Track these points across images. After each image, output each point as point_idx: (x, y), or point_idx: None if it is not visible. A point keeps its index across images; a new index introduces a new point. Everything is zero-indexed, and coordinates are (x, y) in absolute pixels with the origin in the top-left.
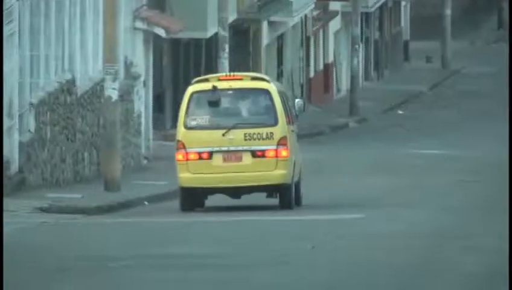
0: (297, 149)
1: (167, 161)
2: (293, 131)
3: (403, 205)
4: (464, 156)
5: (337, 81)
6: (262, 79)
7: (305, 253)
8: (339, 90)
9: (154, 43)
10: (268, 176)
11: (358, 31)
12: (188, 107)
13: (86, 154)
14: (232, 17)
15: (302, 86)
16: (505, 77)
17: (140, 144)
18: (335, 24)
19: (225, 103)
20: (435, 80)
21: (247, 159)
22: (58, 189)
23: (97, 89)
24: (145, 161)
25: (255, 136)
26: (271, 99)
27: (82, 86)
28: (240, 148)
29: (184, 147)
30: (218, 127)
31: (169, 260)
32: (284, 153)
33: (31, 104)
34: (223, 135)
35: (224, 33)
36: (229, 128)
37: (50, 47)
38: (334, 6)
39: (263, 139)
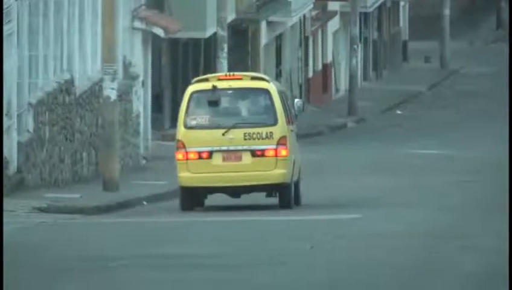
0: (296, 149)
1: (166, 161)
2: (292, 131)
3: (402, 205)
4: (462, 156)
5: (335, 81)
6: (262, 79)
7: (304, 253)
8: (337, 90)
9: (153, 43)
10: (268, 176)
11: (356, 31)
12: (188, 107)
13: (84, 155)
14: (230, 17)
15: (300, 86)
16: (503, 77)
17: (139, 144)
18: (334, 24)
19: (225, 102)
20: (434, 80)
21: (246, 158)
22: (57, 189)
23: (96, 89)
24: (143, 161)
25: (254, 136)
26: (271, 99)
27: (81, 86)
28: (240, 147)
29: (184, 147)
30: (218, 127)
31: (168, 260)
32: (283, 152)
33: (30, 104)
34: (223, 134)
35: (223, 33)
36: (229, 128)
37: (49, 47)
38: (332, 6)
39: (263, 138)
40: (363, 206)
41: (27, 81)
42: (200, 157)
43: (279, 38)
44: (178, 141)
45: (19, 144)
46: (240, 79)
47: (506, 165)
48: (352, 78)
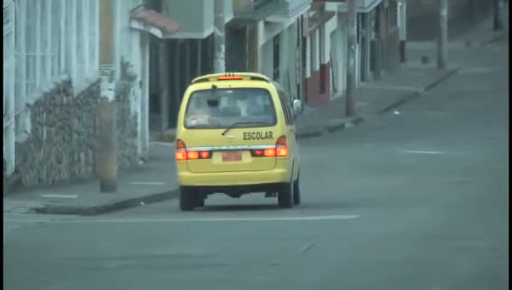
0: (296, 149)
1: (163, 162)
2: (291, 131)
3: (400, 205)
4: (460, 156)
5: (333, 81)
6: (262, 79)
7: (300, 253)
8: (335, 90)
9: (151, 44)
10: (268, 175)
11: (354, 31)
12: (187, 107)
13: (82, 155)
14: (228, 17)
15: (298, 87)
16: (501, 78)
17: (136, 145)
18: (331, 24)
19: (225, 102)
20: (431, 80)
21: (246, 158)
22: (54, 189)
23: (93, 90)
24: (141, 162)
25: (254, 135)
26: (270, 99)
27: (78, 86)
28: (240, 147)
29: (184, 146)
30: (217, 127)
31: (164, 260)
32: (283, 152)
33: (27, 104)
34: (223, 134)
35: (221, 33)
36: (229, 128)
37: (46, 48)
38: (330, 6)
39: (262, 138)
40: (361, 206)
41: (24, 81)
42: (200, 157)
43: (277, 38)
44: (178, 140)
45: (17, 144)
46: (240, 79)
47: (503, 165)
48: (349, 78)
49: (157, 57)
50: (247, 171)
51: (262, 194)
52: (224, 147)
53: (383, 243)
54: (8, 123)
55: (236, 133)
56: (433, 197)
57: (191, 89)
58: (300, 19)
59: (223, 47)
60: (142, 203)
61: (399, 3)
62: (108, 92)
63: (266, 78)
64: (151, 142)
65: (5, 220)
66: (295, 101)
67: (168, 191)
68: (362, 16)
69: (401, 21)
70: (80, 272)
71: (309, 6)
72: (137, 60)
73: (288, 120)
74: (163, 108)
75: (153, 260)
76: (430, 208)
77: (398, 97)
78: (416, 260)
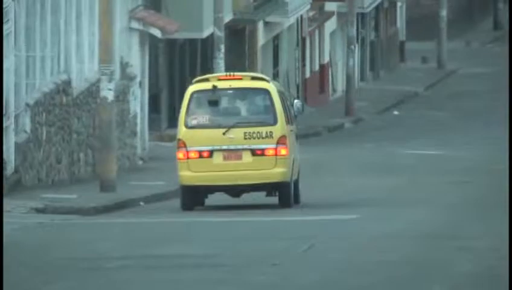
0: (296, 148)
1: (163, 162)
2: (292, 131)
3: (399, 205)
4: (459, 156)
5: (332, 81)
6: (262, 79)
7: (300, 253)
8: (334, 90)
9: (150, 44)
10: (268, 174)
11: (354, 31)
12: (188, 107)
13: (81, 155)
14: (227, 17)
15: (297, 87)
16: (501, 78)
17: (136, 145)
18: (331, 25)
19: (225, 102)
20: (431, 80)
21: (247, 157)
22: (54, 189)
23: (93, 90)
24: (140, 162)
25: (254, 135)
26: (270, 98)
27: (78, 86)
28: (240, 146)
29: (185, 146)
30: (218, 126)
31: (163, 260)
32: (283, 151)
33: (27, 104)
34: (223, 133)
35: (220, 33)
36: (229, 127)
37: (46, 48)
38: (329, 6)
39: (263, 138)
40: (360, 206)
41: (24, 81)
42: (200, 157)
43: (276, 38)
44: (179, 140)
45: (16, 144)
46: (240, 79)
47: (505, 165)
48: (349, 78)
49: (156, 57)
50: (247, 170)
51: (263, 193)
52: (224, 147)
53: (383, 243)
54: (8, 123)
55: (237, 133)
56: (432, 197)
57: (191, 89)
58: (299, 19)
59: (222, 47)
60: (141, 203)
61: (398, 4)
62: (107, 92)
63: (266, 78)
64: (150, 142)
65: (5, 220)
66: (295, 101)
67: (167, 191)
68: (362, 16)
69: (400, 21)
70: (80, 272)
71: (308, 6)
72: (137, 60)
73: (289, 120)
74: (163, 108)
75: (152, 260)
76: (430, 208)
77: (397, 97)
78: (416, 260)
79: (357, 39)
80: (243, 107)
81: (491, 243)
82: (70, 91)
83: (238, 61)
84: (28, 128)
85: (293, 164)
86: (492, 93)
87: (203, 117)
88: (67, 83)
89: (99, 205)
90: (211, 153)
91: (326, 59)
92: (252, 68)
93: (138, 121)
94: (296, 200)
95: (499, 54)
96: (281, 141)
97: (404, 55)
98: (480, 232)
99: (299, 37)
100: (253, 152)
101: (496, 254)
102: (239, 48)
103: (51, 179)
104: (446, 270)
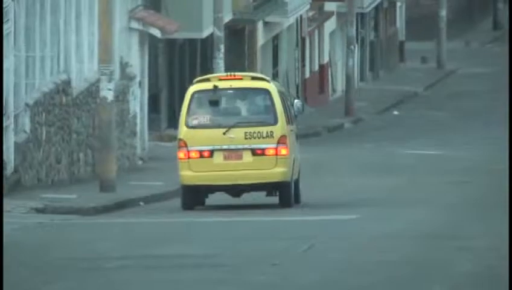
0: (296, 148)
1: (163, 162)
2: (292, 130)
3: (399, 205)
4: (459, 156)
5: (332, 81)
6: (262, 79)
7: (300, 253)
8: (334, 90)
9: (150, 44)
10: (269, 174)
11: (353, 31)
12: (189, 107)
13: (81, 155)
14: (227, 17)
15: (297, 87)
16: (500, 78)
17: (135, 145)
18: (330, 25)
19: (226, 102)
20: (430, 80)
21: (247, 157)
22: (54, 189)
23: (92, 90)
24: (140, 162)
25: (255, 135)
26: (271, 98)
27: (77, 86)
28: (241, 146)
29: (186, 146)
30: (219, 126)
31: (163, 260)
32: (283, 151)
33: (27, 104)
34: (224, 133)
35: (220, 33)
36: (230, 127)
37: (45, 48)
38: (329, 6)
39: (263, 137)
40: (360, 206)
41: (24, 81)
42: (201, 156)
43: (276, 38)
44: (180, 140)
45: (16, 144)
46: (241, 79)
47: (505, 165)
48: (348, 78)
49: (156, 57)
50: (248, 170)
51: (263, 193)
52: (225, 147)
53: (383, 243)
54: (8, 123)
55: (238, 133)
56: (432, 197)
57: (192, 89)
58: (299, 19)
59: (222, 47)
60: (141, 203)
61: (398, 4)
62: (107, 92)
63: (267, 78)
64: (150, 142)
65: (4, 220)
66: (296, 101)
67: (167, 191)
68: (361, 16)
69: (400, 21)
70: (79, 272)
71: (308, 6)
72: (137, 60)
73: (289, 120)
74: (163, 108)
75: (152, 260)
76: (430, 208)
77: (397, 97)
78: (416, 260)
79: (357, 39)
80: (243, 107)
81: (491, 243)
82: (69, 91)
83: (238, 61)
84: (27, 128)
85: (293, 163)
86: (491, 93)
87: (203, 117)
88: (67, 83)
89: (98, 205)
90: (211, 152)
91: (326, 59)
92: (252, 68)
93: (138, 121)
94: (297, 200)
95: (499, 54)
96: (281, 140)
97: (404, 55)
98: (480, 232)
99: (299, 37)
100: (254, 152)
101: (495, 253)
102: (238, 48)
103: (50, 179)
104: (446, 270)
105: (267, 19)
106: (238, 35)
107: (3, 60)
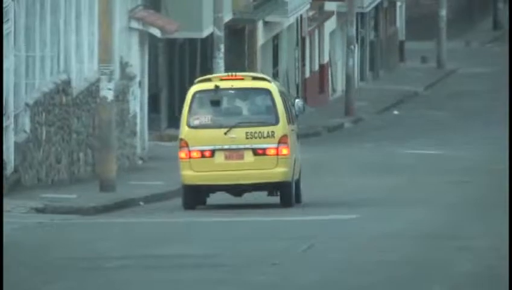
0: (297, 148)
1: (163, 161)
2: (293, 130)
3: (399, 205)
4: (459, 156)
5: (332, 81)
6: (264, 79)
7: (300, 253)
8: (334, 90)
9: (150, 43)
10: (270, 174)
11: (353, 31)
12: (190, 107)
13: (81, 155)
14: (227, 17)
15: (297, 87)
16: (500, 78)
17: (135, 144)
18: (330, 24)
19: (227, 102)
20: (431, 80)
21: (248, 157)
22: (54, 189)
23: (92, 90)
24: (140, 161)
25: (256, 135)
26: (272, 98)
27: (77, 86)
28: (242, 146)
29: (187, 146)
30: (220, 126)
31: (164, 260)
32: (284, 151)
33: (27, 104)
34: (225, 133)
35: (220, 33)
36: (231, 127)
37: (45, 47)
38: (329, 6)
39: (264, 137)
40: (360, 206)
41: (24, 81)
42: (202, 156)
43: (276, 38)
44: (181, 140)
45: (16, 144)
46: (242, 79)
47: (505, 165)
48: (349, 78)
49: (156, 57)
50: (249, 170)
51: (264, 193)
52: (226, 147)
53: (383, 243)
54: (8, 123)
55: (239, 133)
56: (432, 197)
57: (193, 89)
58: (299, 18)
59: (222, 47)
60: (141, 202)
61: (398, 3)
62: (107, 92)
63: (268, 78)
64: (150, 142)
65: (4, 219)
66: (297, 100)
67: (167, 191)
68: (361, 16)
69: (400, 21)
70: (79, 271)
71: (308, 6)
72: (137, 60)
73: (290, 120)
74: (163, 108)
75: (152, 259)
76: (430, 208)
77: (397, 97)
78: (416, 260)
79: (357, 39)
80: (244, 107)
81: (491, 243)
82: (69, 91)
83: (238, 61)
84: (27, 128)
85: (294, 163)
86: (491, 93)
87: (205, 117)
88: (67, 82)
89: (98, 204)
90: (212, 152)
91: (326, 59)
92: (252, 68)
93: (138, 120)
94: (297, 199)
95: (499, 54)
96: (282, 140)
97: (404, 55)
98: (480, 232)
99: (299, 36)
100: (255, 152)
101: (495, 253)
102: (238, 47)
103: (50, 179)
104: (446, 270)
105: (267, 19)
106: (238, 35)
107: (3, 60)
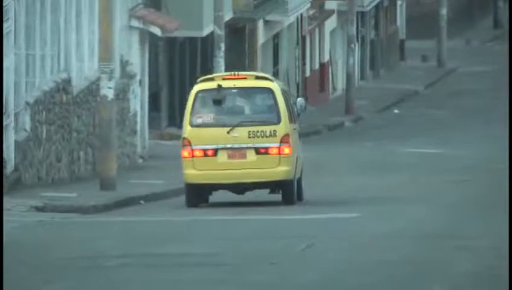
0: (299, 147)
1: (163, 160)
2: (295, 129)
3: (399, 203)
4: (459, 155)
5: (332, 80)
6: (266, 78)
7: (300, 252)
8: (334, 89)
9: (150, 42)
10: (272, 173)
11: (354, 30)
12: (193, 106)
13: (81, 154)
14: (227, 16)
15: (298, 85)
16: (500, 76)
17: (136, 143)
18: (331, 23)
19: (230, 101)
20: (431, 79)
21: (251, 156)
22: (54, 188)
23: (93, 88)
24: (140, 160)
25: (258, 134)
26: (274, 98)
27: (78, 85)
28: (244, 145)
29: (190, 144)
30: (223, 125)
31: (164, 259)
32: (286, 150)
33: (27, 103)
34: (228, 132)
35: (220, 32)
36: (234, 126)
37: (46, 46)
38: (329, 5)
39: (266, 136)
40: (361, 205)
41: (24, 80)
42: (205, 155)
43: (276, 37)
44: (184, 138)
45: (16, 142)
46: (245, 78)
47: (505, 164)
48: (349, 77)
49: (156, 56)
50: (251, 169)
51: (266, 190)
52: (229, 145)
53: (383, 242)
54: (8, 121)
55: (241, 132)
56: (432, 195)
57: (196, 88)
58: (299, 17)
59: (222, 46)
60: (141, 201)
61: (398, 2)
62: (107, 91)
63: (270, 77)
64: (150, 141)
65: (5, 218)
66: (298, 99)
67: (167, 190)
68: (362, 15)
69: (400, 20)
70: (80, 270)
71: (308, 5)
72: (137, 59)
73: (292, 119)
74: (163, 106)
75: (152, 258)
76: (430, 207)
77: (397, 96)
78: (416, 260)
79: (357, 38)
80: (247, 106)
81: (491, 243)
82: (70, 89)
83: (238, 59)
84: (27, 126)
85: (296, 162)
86: (492, 92)
87: (207, 116)
88: (67, 81)
89: (99, 203)
90: (215, 151)
91: (327, 58)
92: (252, 67)
93: (138, 119)
94: (299, 197)
95: (499, 53)
96: (284, 139)
97: (404, 53)
98: (480, 231)
99: (299, 35)
100: (257, 151)
101: (495, 253)
102: (239, 46)
103: (50, 178)
104: (446, 270)
105: (268, 18)
106: (238, 34)
107: (3, 59)
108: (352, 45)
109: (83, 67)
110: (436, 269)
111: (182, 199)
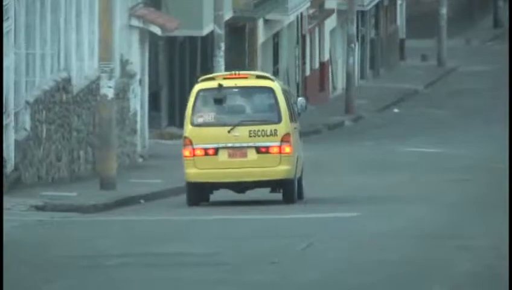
0: (299, 146)
1: (163, 159)
2: (295, 128)
3: (399, 203)
4: (459, 154)
5: (332, 79)
6: (267, 78)
7: (300, 252)
8: (334, 88)
9: (150, 41)
10: (272, 172)
11: (354, 29)
12: (194, 105)
13: (81, 153)
14: (227, 15)
15: (297, 85)
16: (500, 76)
17: (136, 143)
18: (331, 22)
19: (230, 100)
20: (431, 78)
21: (251, 155)
22: (54, 187)
23: (93, 88)
24: (140, 159)
25: (259, 133)
26: (275, 97)
27: (78, 84)
28: (245, 144)
29: (191, 144)
30: (224, 124)
31: (164, 258)
32: (287, 149)
33: (27, 102)
34: (229, 131)
35: (220, 31)
36: (235, 125)
37: (46, 45)
38: (329, 4)
39: (267, 135)
40: (361, 204)
41: (24, 79)
42: (206, 154)
43: (276, 36)
44: (185, 138)
45: (16, 142)
46: (245, 78)
47: (505, 163)
48: (349, 76)
49: (156, 55)
50: (252, 168)
51: (267, 189)
52: (230, 145)
53: (383, 241)
54: (8, 121)
55: (242, 131)
56: (432, 195)
57: (197, 87)
58: (299, 16)
59: (222, 45)
60: (141, 200)
61: (398, 1)
62: (107, 90)
63: (271, 76)
64: (150, 140)
65: (4, 217)
66: (299, 99)
67: (167, 189)
68: (362, 14)
69: (400, 19)
70: (80, 269)
71: (308, 4)
72: (137, 58)
73: (293, 118)
74: (163, 106)
75: (152, 258)
76: (430, 206)
77: (397, 95)
78: (416, 260)
79: (357, 37)
80: (248, 106)
81: (491, 242)
82: (70, 89)
83: (238, 59)
84: (27, 126)
85: (296, 161)
86: (492, 91)
87: (208, 115)
88: (67, 80)
89: (99, 202)
90: (216, 150)
91: (326, 57)
92: (252, 66)
93: (138, 118)
94: (300, 196)
95: (499, 52)
96: (285, 138)
97: (404, 53)
98: (480, 231)
99: (299, 34)
100: (258, 150)
101: (495, 253)
102: (239, 45)
103: (50, 177)
104: (446, 270)
105: (268, 17)
106: (238, 33)
107: (3, 58)
108: (352, 44)
109: (83, 67)
110: (436, 268)
111: (182, 198)
